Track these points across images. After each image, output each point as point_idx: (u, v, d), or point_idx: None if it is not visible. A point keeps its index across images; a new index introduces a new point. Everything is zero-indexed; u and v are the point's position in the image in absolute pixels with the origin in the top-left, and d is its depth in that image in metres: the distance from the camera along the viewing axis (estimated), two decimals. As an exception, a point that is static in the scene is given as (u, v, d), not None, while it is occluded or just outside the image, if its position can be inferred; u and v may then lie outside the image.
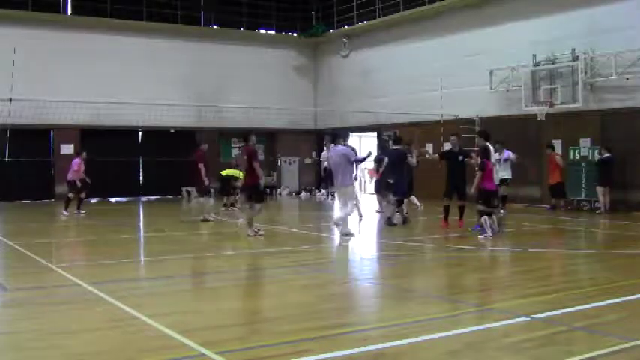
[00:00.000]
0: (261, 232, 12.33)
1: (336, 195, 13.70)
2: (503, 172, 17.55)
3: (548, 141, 18.60)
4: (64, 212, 16.74)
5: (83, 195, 17.41)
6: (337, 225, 12.36)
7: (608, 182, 17.01)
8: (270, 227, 13.56)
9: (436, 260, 10.35)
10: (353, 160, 12.54)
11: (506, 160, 17.47)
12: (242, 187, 13.24)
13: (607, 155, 16.99)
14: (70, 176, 17.13)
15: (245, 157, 12.53)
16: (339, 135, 13.38)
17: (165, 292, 7.58)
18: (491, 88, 20.52)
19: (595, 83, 18.25)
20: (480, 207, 11.97)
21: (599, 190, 17.10)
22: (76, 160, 17.34)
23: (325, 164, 18.38)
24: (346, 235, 12.05)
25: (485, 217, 11.78)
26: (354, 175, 13.06)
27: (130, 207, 22.06)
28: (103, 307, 6.61)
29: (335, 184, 12.94)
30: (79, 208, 17.21)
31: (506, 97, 20.25)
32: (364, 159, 13.49)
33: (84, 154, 17.65)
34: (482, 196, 11.97)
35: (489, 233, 11.64)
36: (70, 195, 17.07)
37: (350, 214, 12.73)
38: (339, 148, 12.58)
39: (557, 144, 19.17)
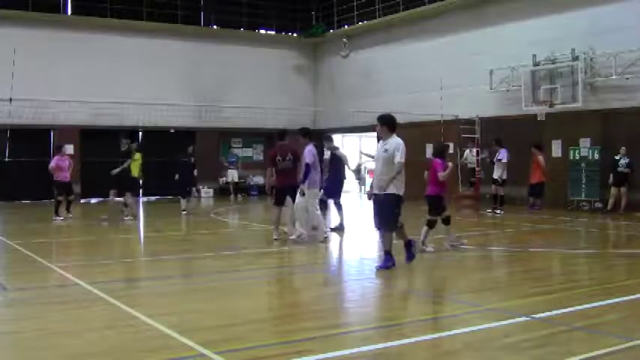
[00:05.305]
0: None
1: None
2: (496, 172, 17.64)
3: (537, 141, 18.56)
4: (61, 217, 16.10)
5: (61, 197, 16.40)
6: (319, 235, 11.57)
7: (625, 183, 16.91)
8: (269, 227, 13.52)
9: (436, 260, 10.34)
10: (304, 162, 11.57)
11: (499, 160, 17.54)
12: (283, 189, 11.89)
13: (629, 161, 16.84)
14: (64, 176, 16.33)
15: (291, 157, 11.71)
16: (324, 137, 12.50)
17: (165, 292, 7.57)
18: (491, 88, 20.51)
19: (595, 83, 18.24)
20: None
21: (615, 190, 16.91)
22: (56, 158, 16.49)
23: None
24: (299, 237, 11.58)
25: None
26: (315, 178, 11.75)
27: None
28: (103, 307, 6.61)
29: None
30: (67, 209, 16.38)
31: (506, 97, 20.24)
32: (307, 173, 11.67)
33: (64, 148, 16.91)
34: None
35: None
36: (65, 197, 16.39)
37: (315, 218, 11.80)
38: (307, 147, 11.83)
39: (557, 144, 19.19)
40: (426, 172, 10.50)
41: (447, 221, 10.44)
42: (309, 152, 11.75)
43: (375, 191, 8.72)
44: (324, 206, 13.29)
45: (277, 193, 12.05)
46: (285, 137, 12.12)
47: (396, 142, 8.63)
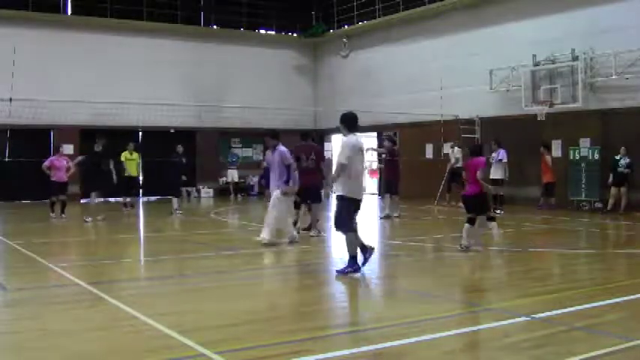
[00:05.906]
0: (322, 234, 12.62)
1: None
2: (495, 172, 17.57)
3: (545, 141, 18.59)
4: (54, 215, 16.24)
5: (54, 197, 16.43)
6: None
7: (625, 183, 16.89)
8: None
9: (436, 260, 10.35)
10: (287, 163, 11.27)
11: (499, 160, 17.47)
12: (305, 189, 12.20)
13: (629, 161, 16.78)
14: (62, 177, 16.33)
15: (314, 156, 12.39)
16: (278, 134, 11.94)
17: (165, 292, 7.58)
18: (491, 88, 20.50)
19: (595, 83, 18.24)
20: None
21: (615, 190, 16.86)
22: (53, 158, 16.49)
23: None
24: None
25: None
26: (284, 179, 11.31)
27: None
28: (103, 307, 6.61)
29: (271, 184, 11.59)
30: (62, 211, 16.42)
31: (506, 97, 20.23)
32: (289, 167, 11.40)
33: (62, 148, 16.88)
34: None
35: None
36: (58, 197, 16.33)
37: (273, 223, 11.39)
38: (281, 148, 11.48)
39: (557, 144, 19.18)
40: (464, 173, 10.70)
41: (472, 222, 10.41)
42: (287, 152, 11.53)
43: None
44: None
45: (299, 192, 12.04)
46: (308, 137, 12.81)
47: (342, 142, 8.45)
